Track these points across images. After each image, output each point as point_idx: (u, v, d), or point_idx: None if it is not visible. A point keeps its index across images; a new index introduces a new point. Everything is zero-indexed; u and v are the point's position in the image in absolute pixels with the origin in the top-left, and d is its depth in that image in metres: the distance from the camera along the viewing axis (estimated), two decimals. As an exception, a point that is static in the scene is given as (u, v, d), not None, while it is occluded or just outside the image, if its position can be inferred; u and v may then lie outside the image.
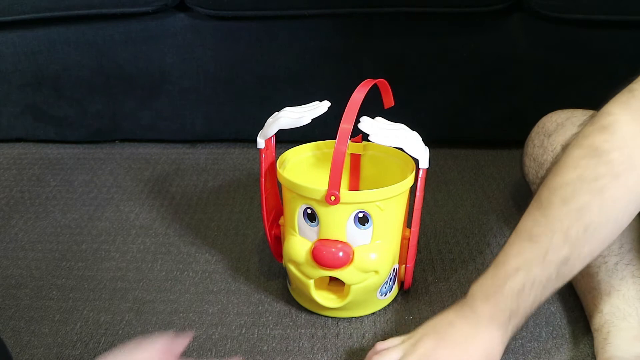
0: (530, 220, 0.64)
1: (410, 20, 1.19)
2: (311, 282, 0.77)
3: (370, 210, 0.73)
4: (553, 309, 0.81)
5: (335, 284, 0.81)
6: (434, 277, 0.88)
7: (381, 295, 0.81)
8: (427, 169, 0.77)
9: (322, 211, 0.73)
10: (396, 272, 0.82)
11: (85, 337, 0.77)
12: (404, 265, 0.82)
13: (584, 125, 0.65)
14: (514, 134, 1.16)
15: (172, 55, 1.25)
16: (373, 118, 0.76)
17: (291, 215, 0.77)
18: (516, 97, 1.24)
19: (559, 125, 0.90)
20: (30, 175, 1.24)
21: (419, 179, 0.77)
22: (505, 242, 0.66)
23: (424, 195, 0.85)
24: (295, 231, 0.77)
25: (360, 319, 0.80)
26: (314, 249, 0.74)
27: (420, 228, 0.79)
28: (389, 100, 0.86)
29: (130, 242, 0.99)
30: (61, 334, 0.78)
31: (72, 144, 1.38)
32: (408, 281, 0.83)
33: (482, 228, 1.01)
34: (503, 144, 1.30)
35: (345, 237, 0.74)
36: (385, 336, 0.77)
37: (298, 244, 0.76)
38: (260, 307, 0.82)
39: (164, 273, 0.90)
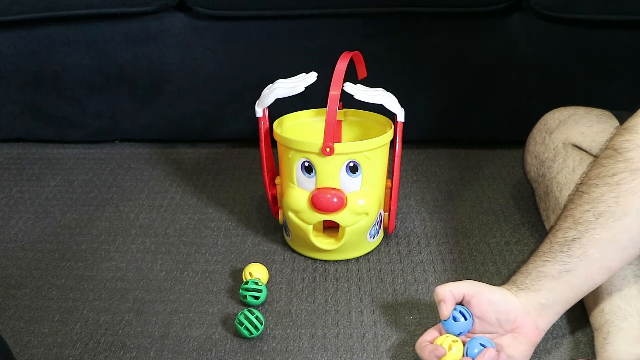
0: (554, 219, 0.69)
1: (410, 20, 1.19)
2: (310, 227, 0.87)
3: (360, 159, 0.84)
4: (553, 309, 0.81)
5: (329, 231, 0.92)
6: (435, 277, 0.88)
7: (370, 238, 0.91)
8: (403, 122, 0.88)
9: (318, 162, 0.84)
10: (382, 217, 0.93)
11: (85, 337, 0.77)
12: (387, 213, 0.94)
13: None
14: (514, 134, 1.16)
15: (172, 55, 1.25)
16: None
17: (289, 170, 0.87)
18: (516, 97, 1.24)
19: (561, 123, 0.90)
20: (30, 175, 1.24)
21: (398, 132, 0.88)
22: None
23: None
24: (294, 184, 0.87)
25: (361, 318, 0.80)
26: (312, 196, 0.84)
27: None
28: (362, 71, 0.95)
29: (130, 242, 0.99)
30: (61, 334, 0.78)
31: (72, 144, 1.38)
32: (392, 225, 0.95)
33: (482, 228, 1.01)
34: (503, 143, 1.30)
35: (339, 184, 0.85)
36: (385, 336, 0.77)
37: (297, 194, 0.86)
38: (260, 307, 0.82)
39: (164, 273, 0.90)
